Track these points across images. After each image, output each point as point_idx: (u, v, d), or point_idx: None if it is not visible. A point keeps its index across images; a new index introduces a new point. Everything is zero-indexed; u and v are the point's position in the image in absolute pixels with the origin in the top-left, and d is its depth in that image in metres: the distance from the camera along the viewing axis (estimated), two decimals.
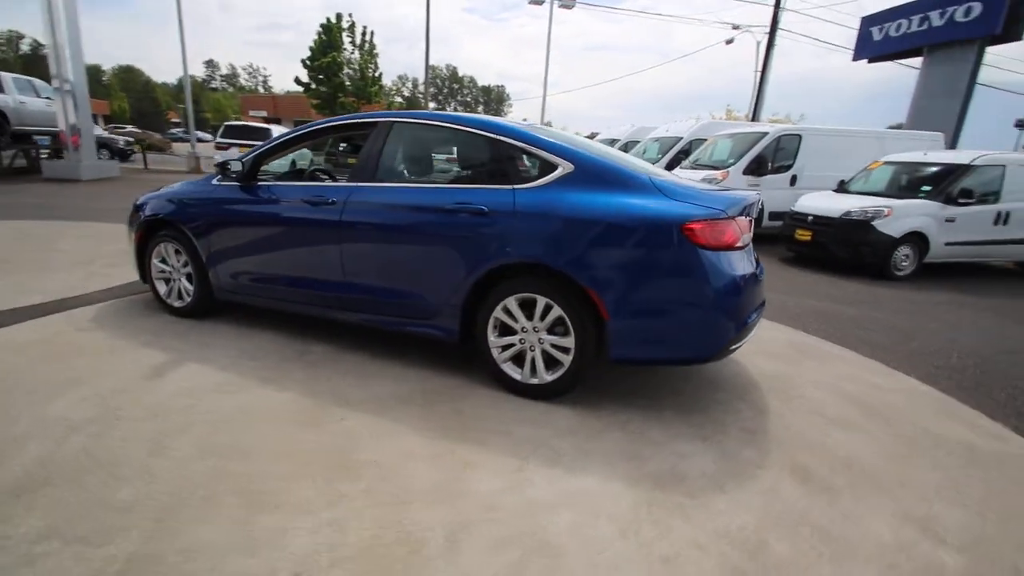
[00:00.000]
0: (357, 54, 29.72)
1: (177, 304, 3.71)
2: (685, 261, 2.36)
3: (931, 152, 7.96)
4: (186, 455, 2.08)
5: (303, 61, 29.23)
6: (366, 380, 2.85)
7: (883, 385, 3.29)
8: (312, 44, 28.76)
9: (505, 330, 2.74)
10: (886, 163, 7.96)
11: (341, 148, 11.58)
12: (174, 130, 46.23)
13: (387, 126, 3.07)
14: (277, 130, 13.34)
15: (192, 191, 3.56)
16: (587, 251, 2.46)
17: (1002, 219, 6.94)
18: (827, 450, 2.43)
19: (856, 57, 19.99)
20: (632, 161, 3.02)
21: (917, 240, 6.72)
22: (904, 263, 6.79)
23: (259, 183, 3.37)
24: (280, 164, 5.06)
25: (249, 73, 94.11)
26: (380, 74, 30.65)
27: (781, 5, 17.90)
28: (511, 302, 2.67)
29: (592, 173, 2.58)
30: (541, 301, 2.59)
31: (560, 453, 2.25)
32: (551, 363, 2.67)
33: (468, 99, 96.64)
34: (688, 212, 2.38)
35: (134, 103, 65.60)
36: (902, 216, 6.64)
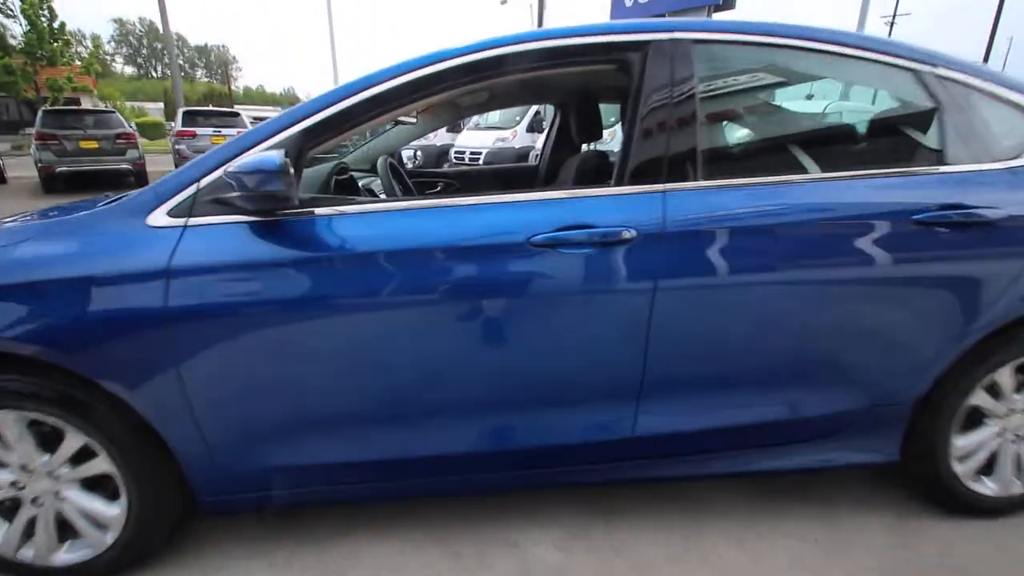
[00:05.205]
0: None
1: (64, 560, 1.39)
2: None
3: None
4: None
5: None
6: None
7: None
8: None
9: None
10: None
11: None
12: None
13: (672, 50, 1.38)
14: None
15: (92, 262, 1.23)
16: None
17: None
18: None
19: None
20: None
21: None
22: None
23: (320, 212, 1.31)
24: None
25: None
26: (62, 24, 22.03)
27: None
28: (1004, 374, 1.47)
29: None
30: None
31: None
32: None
33: (181, 61, 78.84)
34: None
35: None
36: None
